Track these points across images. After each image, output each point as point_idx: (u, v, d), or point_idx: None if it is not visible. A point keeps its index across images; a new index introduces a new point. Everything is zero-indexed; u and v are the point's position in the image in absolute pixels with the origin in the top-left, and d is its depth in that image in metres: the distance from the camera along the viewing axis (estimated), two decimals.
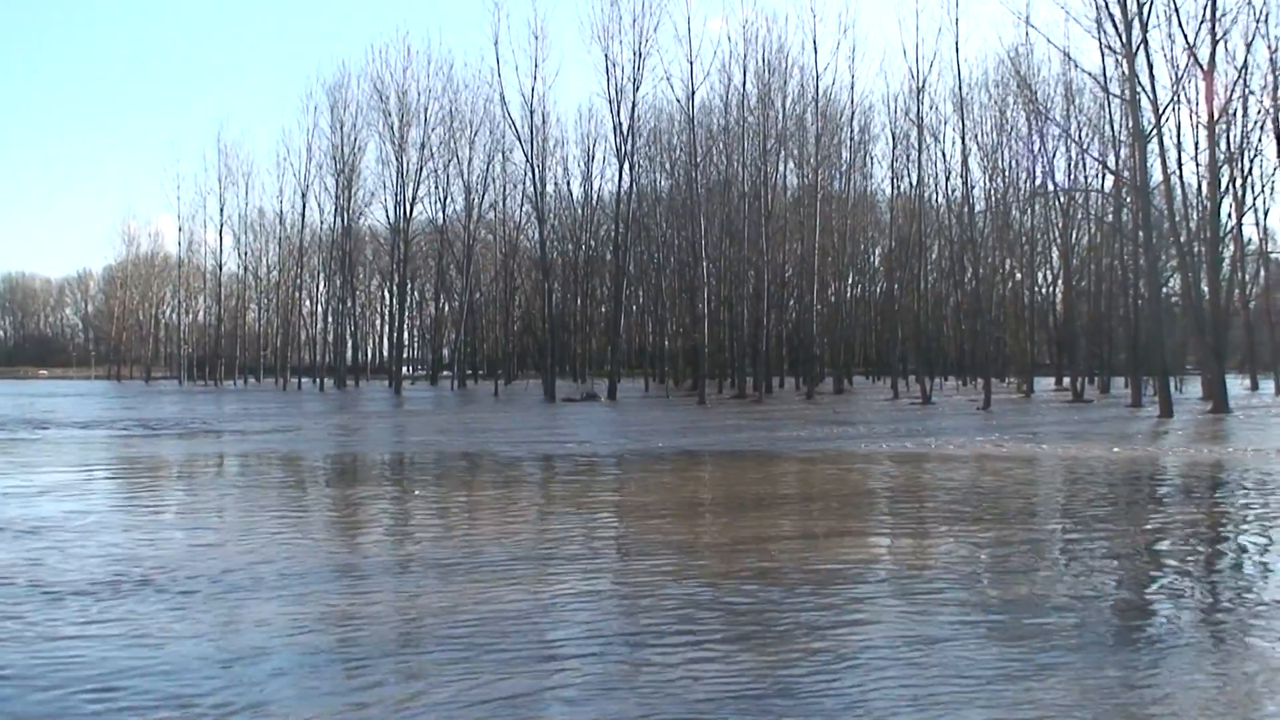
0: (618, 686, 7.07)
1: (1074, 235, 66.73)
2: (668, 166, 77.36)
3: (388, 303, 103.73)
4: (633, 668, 7.55)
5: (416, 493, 18.40)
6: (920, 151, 62.76)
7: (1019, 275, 71.64)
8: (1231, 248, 58.85)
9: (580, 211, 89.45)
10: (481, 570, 10.85)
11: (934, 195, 71.54)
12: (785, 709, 6.55)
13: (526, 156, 66.20)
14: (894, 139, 70.66)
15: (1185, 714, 6.50)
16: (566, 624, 8.75)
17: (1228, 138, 52.88)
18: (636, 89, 62.84)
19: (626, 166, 64.62)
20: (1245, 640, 8.27)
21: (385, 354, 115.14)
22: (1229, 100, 50.38)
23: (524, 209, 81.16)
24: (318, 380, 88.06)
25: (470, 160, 76.72)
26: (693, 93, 60.59)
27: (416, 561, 11.57)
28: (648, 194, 78.20)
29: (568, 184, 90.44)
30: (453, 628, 8.54)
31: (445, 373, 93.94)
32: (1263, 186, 61.55)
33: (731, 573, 10.83)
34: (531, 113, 65.12)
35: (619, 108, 63.39)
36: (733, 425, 35.93)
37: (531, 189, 68.69)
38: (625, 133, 63.76)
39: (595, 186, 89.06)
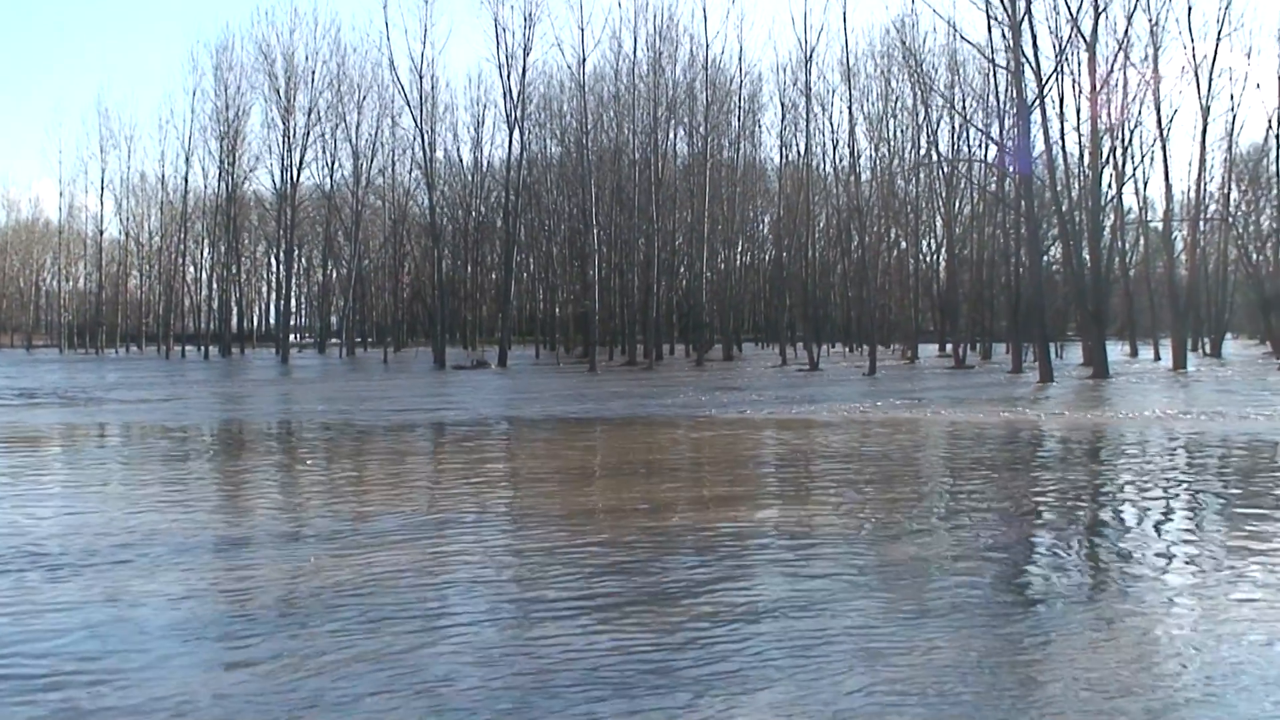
0: (509, 651, 7.15)
1: (957, 204, 67.71)
2: (558, 133, 76.98)
3: (274, 269, 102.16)
4: (523, 632, 7.64)
5: (307, 462, 18.27)
6: (808, 121, 63.21)
7: (904, 244, 72.65)
8: (1112, 217, 60.23)
9: (470, 178, 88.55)
10: (370, 539, 10.84)
11: (822, 164, 72.35)
12: (672, 674, 6.67)
13: (416, 122, 65.59)
14: (783, 108, 71.30)
15: (1066, 672, 6.73)
16: (456, 590, 8.80)
17: (1109, 109, 54.04)
18: (527, 55, 62.48)
19: (517, 133, 64.33)
20: (1124, 600, 8.56)
21: (272, 321, 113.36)
22: (1110, 72, 51.47)
23: (413, 175, 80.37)
24: (202, 348, 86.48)
25: (358, 125, 75.68)
26: (583, 59, 60.52)
27: (304, 531, 11.54)
28: (538, 161, 77.86)
29: (458, 150, 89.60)
30: (340, 597, 8.54)
31: (333, 340, 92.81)
32: (1143, 156, 63.12)
33: (621, 537, 10.95)
34: (421, 77, 64.52)
35: (509, 74, 62.94)
36: (623, 392, 36.08)
37: (421, 155, 68.21)
38: (516, 99, 63.38)
39: (485, 153, 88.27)
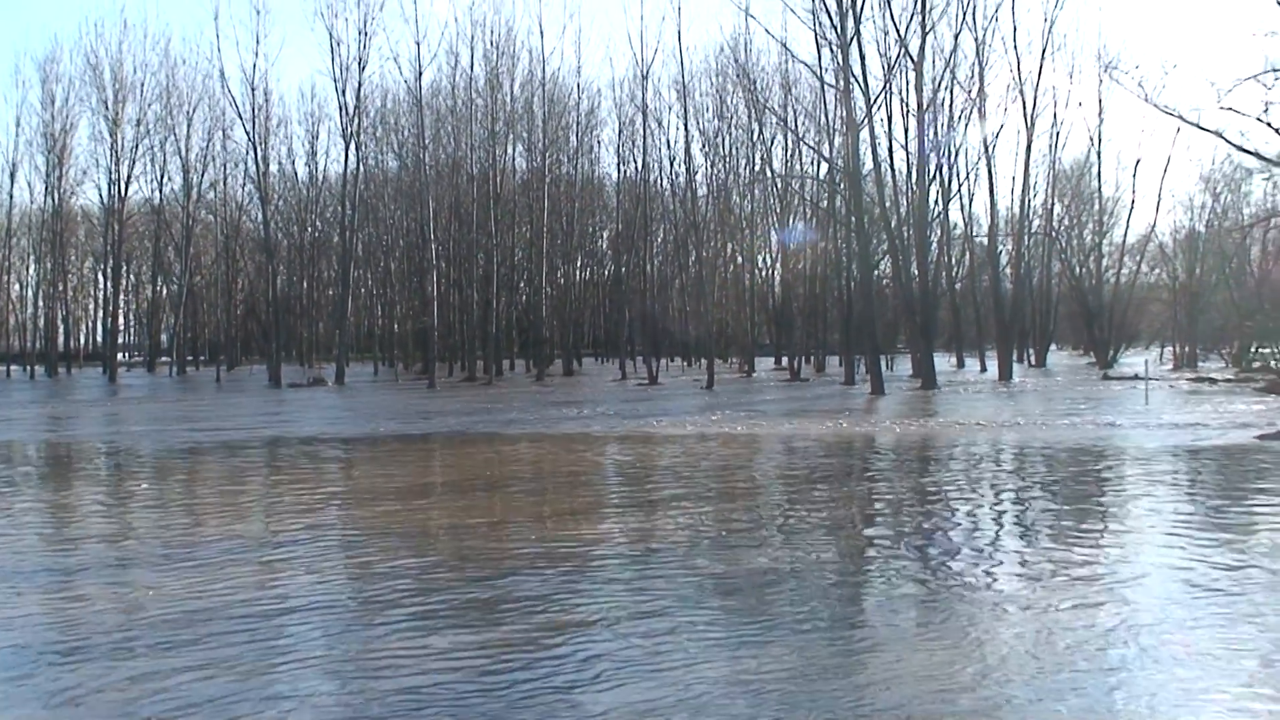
0: (347, 672, 7.22)
1: (791, 220, 68.98)
2: (395, 147, 76.36)
3: (102, 286, 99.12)
4: (363, 652, 7.70)
5: (143, 486, 17.90)
6: (645, 137, 63.85)
7: (740, 259, 73.62)
8: (939, 232, 61.94)
9: (306, 192, 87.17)
10: (204, 561, 10.75)
11: (659, 180, 72.94)
12: (516, 690, 6.81)
13: (248, 135, 64.39)
14: (620, 124, 71.80)
15: (895, 670, 7.04)
16: (292, 612, 8.80)
17: (935, 127, 55.64)
18: (362, 69, 61.85)
19: (353, 147, 63.66)
20: (954, 602, 8.95)
21: (99, 339, 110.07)
22: (936, 91, 53.04)
23: (246, 189, 78.85)
24: (27, 368, 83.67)
25: (189, 138, 74.10)
26: (419, 74, 60.23)
27: (136, 555, 11.38)
28: (375, 175, 77.16)
29: (292, 164, 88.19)
30: (173, 622, 8.48)
31: (164, 359, 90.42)
32: (967, 174, 65.03)
33: (462, 553, 11.04)
34: (253, 90, 63.38)
35: (344, 87, 62.26)
36: (463, 408, 36.00)
37: (254, 168, 67.02)
38: (351, 113, 62.72)
39: (321, 167, 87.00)
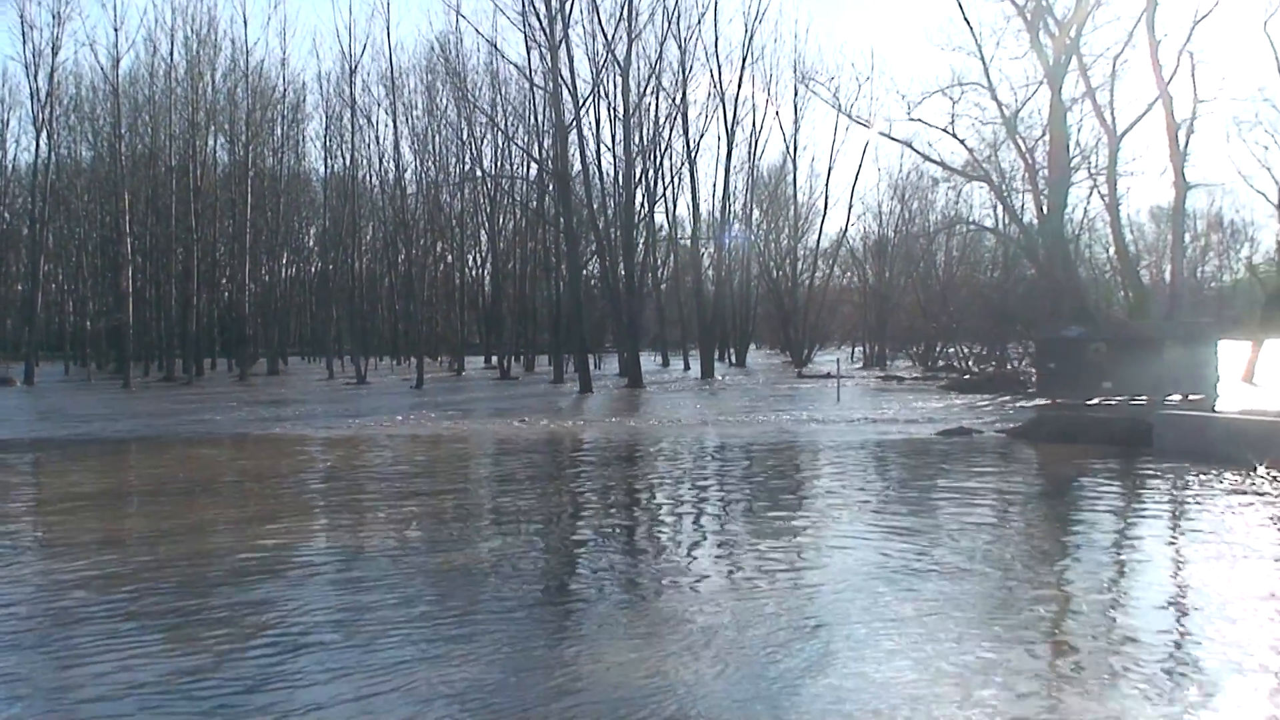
0: (35, 684, 7.11)
1: (501, 220, 69.27)
2: (90, 137, 73.12)
3: None
4: (52, 666, 7.57)
5: None
6: (354, 133, 63.12)
7: (450, 258, 73.47)
8: (645, 234, 63.28)
9: None
10: None
11: (368, 176, 72.16)
12: (223, 700, 6.85)
13: None
14: (327, 118, 70.63)
15: (601, 666, 7.36)
16: None
17: (641, 131, 56.82)
18: (56, 54, 59.11)
19: (44, 135, 60.73)
20: (658, 596, 9.37)
21: None
22: (642, 96, 54.22)
23: None
24: None
25: None
26: (116, 61, 57.91)
27: None
28: (68, 165, 73.68)
29: None
30: None
31: None
32: (672, 178, 66.68)
33: (158, 563, 10.87)
34: None
35: (36, 73, 59.38)
36: (159, 409, 34.87)
37: None
38: (43, 99, 59.84)
39: (10, 155, 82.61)
